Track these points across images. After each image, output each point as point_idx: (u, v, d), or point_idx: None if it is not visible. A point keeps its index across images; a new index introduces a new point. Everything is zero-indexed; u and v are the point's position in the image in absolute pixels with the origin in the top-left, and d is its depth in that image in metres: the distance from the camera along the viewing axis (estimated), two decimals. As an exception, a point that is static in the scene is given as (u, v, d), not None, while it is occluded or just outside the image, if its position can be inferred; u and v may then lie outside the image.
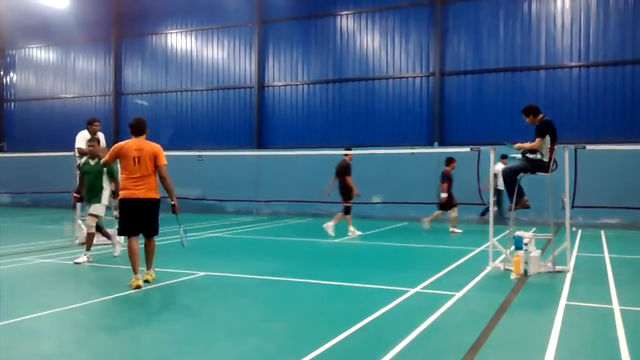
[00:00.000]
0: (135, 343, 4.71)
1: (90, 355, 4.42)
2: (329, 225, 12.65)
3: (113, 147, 7.15)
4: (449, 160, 13.62)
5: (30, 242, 11.03)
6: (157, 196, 7.03)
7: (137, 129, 7.13)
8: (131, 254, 6.94)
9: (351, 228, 12.87)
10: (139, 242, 7.07)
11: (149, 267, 7.19)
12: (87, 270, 8.34)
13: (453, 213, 13.80)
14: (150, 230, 7.10)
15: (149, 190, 6.92)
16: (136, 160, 6.91)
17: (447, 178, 13.43)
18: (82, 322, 5.40)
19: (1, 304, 5.89)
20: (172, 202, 7.06)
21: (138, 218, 6.98)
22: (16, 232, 13.50)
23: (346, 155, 12.93)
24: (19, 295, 6.44)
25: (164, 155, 7.09)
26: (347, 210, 12.85)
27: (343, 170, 12.75)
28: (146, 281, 7.02)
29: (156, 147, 7.08)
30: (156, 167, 6.98)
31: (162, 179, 7.01)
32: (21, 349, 4.54)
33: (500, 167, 13.07)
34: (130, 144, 7.04)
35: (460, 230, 13.67)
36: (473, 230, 13.86)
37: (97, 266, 8.61)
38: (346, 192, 12.73)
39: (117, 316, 5.66)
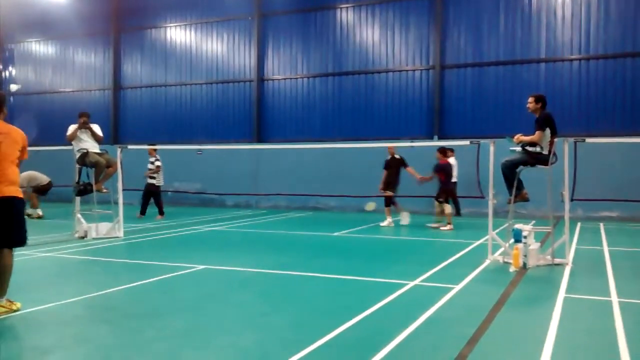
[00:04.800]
0: (135, 337, 4.72)
1: (90, 349, 4.43)
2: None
3: None
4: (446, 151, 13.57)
5: (31, 236, 11.02)
6: (17, 194, 5.39)
7: None
8: None
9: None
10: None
11: (0, 292, 5.36)
12: (88, 264, 8.36)
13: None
14: (3, 239, 5.42)
15: (4, 185, 5.29)
16: None
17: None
18: (83, 316, 5.41)
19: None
20: None
21: None
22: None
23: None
24: (22, 288, 6.45)
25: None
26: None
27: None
28: None
29: (24, 135, 5.54)
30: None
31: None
32: (22, 341, 4.55)
33: None
34: None
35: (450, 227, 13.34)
36: (472, 224, 13.86)
37: (98, 260, 8.62)
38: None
39: (116, 310, 5.65)
